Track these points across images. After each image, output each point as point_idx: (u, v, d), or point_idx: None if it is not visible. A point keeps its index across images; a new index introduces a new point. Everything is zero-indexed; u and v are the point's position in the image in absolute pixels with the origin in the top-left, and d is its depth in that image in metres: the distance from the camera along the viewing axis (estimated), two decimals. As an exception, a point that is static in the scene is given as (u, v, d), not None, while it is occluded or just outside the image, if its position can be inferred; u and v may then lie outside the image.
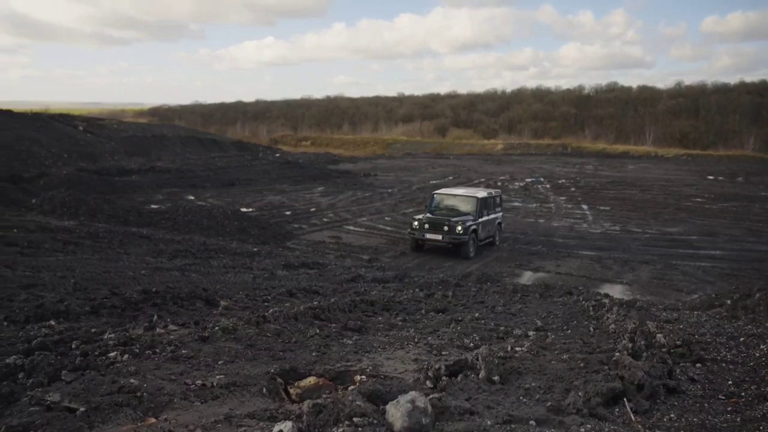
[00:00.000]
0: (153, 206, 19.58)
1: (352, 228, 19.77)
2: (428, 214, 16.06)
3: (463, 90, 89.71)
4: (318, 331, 3.74)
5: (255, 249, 13.67)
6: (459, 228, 14.98)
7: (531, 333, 3.89)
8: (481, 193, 17.06)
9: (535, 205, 24.52)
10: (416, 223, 15.63)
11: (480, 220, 15.89)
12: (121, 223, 15.55)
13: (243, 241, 15.54)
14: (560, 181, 32.11)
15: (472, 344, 3.54)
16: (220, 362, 2.98)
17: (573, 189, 29.27)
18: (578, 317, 4.79)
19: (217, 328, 3.60)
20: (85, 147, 31.20)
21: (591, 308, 4.99)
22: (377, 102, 78.63)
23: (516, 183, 31.60)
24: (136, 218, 16.32)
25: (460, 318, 4.71)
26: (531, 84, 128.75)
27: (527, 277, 13.08)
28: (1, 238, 9.03)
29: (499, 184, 31.14)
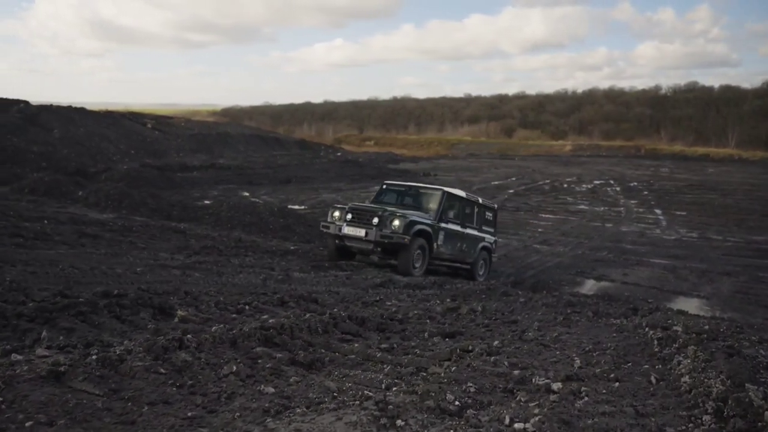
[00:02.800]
0: (206, 202, 19.09)
1: (404, 228, 18.72)
2: (370, 204, 11.29)
3: (532, 91, 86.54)
4: (234, 368, 2.54)
5: (293, 247, 12.65)
6: (396, 222, 9.68)
7: (557, 384, 2.54)
8: (456, 191, 11.93)
9: (602, 208, 22.49)
10: (336, 213, 10.47)
11: (443, 225, 10.75)
12: (164, 217, 14.98)
13: (285, 238, 14.62)
14: (632, 184, 29.65)
15: (456, 403, 2.24)
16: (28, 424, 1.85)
17: (645, 192, 26.86)
18: (636, 355, 3.36)
19: (94, 356, 2.46)
20: (151, 144, 31.52)
21: (656, 342, 3.53)
22: (443, 103, 76.84)
23: (583, 185, 29.42)
24: (179, 213, 15.78)
25: (470, 348, 3.37)
26: (604, 84, 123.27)
27: (589, 286, 11.44)
28: (10, 229, 8.39)
29: (565, 186, 29.08)
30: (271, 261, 10.02)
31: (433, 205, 11.05)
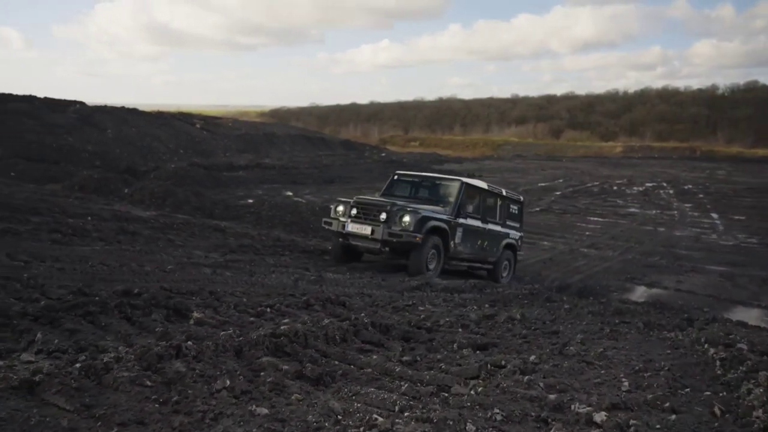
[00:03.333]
0: (249, 200, 19.10)
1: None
2: (378, 198, 9.94)
3: (581, 91, 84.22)
4: (228, 383, 2.24)
5: (331, 247, 12.45)
6: (407, 219, 8.54)
7: (601, 415, 2.13)
8: (476, 182, 10.71)
9: (655, 211, 21.46)
10: (340, 207, 9.34)
11: (461, 221, 9.54)
12: (206, 216, 15.00)
13: (326, 238, 14.41)
14: (686, 187, 28.30)
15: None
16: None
17: (701, 195, 25.55)
18: (695, 378, 2.90)
19: (79, 364, 2.21)
20: (200, 144, 32.01)
21: (718, 362, 3.05)
22: (490, 103, 75.64)
23: (634, 188, 28.26)
24: (221, 211, 15.80)
25: (502, 363, 2.99)
26: (657, 84, 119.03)
27: (639, 293, 10.76)
28: (51, 225, 8.42)
29: (615, 188, 28.00)
30: (308, 261, 9.79)
31: (450, 197, 9.73)
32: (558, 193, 26.06)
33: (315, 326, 3.33)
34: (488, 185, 10.84)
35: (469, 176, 30.15)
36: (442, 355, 3.22)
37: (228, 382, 2.23)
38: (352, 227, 9.08)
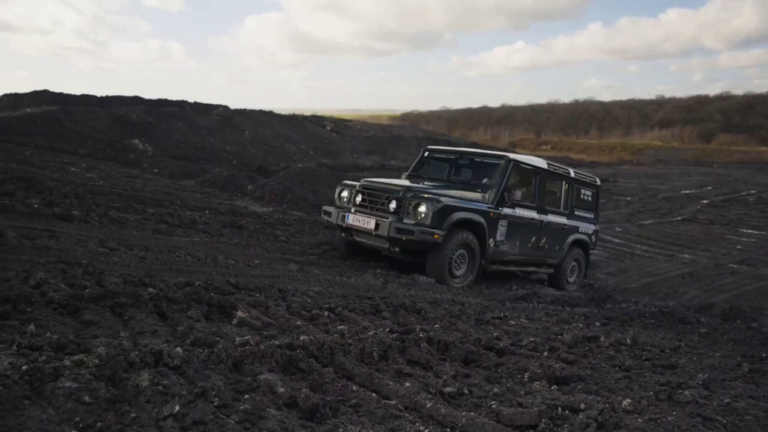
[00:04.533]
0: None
1: (571, 236, 16.97)
2: (393, 180, 7.89)
3: (738, 91, 75.51)
4: (177, 409, 1.71)
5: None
6: (423, 208, 6.59)
7: None
8: (530, 159, 8.30)
9: (826, 225, 18.30)
10: (345, 192, 7.59)
11: (506, 211, 7.37)
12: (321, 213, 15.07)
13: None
14: None
15: None
16: None
17: None
18: None
19: (25, 366, 1.82)
20: (329, 145, 32.80)
21: None
22: (631, 105, 70.23)
23: (800, 198, 24.46)
24: (337, 209, 15.86)
25: (580, 407, 2.21)
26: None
27: (800, 321, 8.95)
28: (163, 216, 8.64)
29: (776, 197, 24.43)
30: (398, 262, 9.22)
31: (492, 180, 7.44)
32: (705, 201, 23.24)
33: (353, 338, 2.74)
34: (548, 163, 8.39)
35: (602, 181, 27.93)
36: (502, 387, 2.49)
37: (177, 408, 1.72)
38: (353, 219, 7.15)
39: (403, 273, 7.72)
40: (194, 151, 24.55)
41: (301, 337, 2.63)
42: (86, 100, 28.50)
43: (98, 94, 29.76)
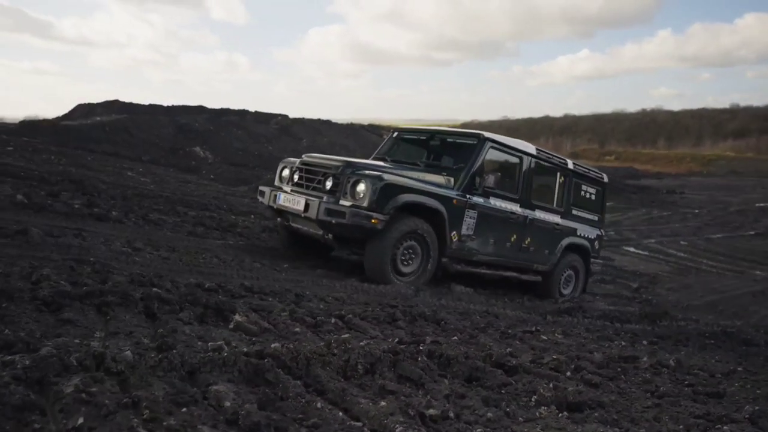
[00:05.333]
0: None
1: (631, 249, 16.15)
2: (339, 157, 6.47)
3: (825, 100, 70.34)
4: (82, 421, 1.47)
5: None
6: (362, 187, 5.44)
7: None
8: (512, 141, 6.81)
9: None
10: (286, 171, 6.50)
11: (476, 200, 6.18)
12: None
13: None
14: None
15: None
16: None
17: None
18: None
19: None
20: (385, 153, 32.79)
21: None
22: (702, 115, 66.78)
23: None
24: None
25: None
26: None
27: None
28: (204, 219, 8.63)
29: None
30: None
31: (462, 162, 6.27)
32: (782, 215, 21.63)
33: (339, 348, 2.45)
34: (538, 149, 7.11)
35: (667, 192, 26.42)
36: (499, 412, 2.13)
37: (81, 420, 1.48)
38: (284, 199, 6.05)
39: (442, 282, 7.38)
40: (252, 158, 24.98)
41: (273, 345, 2.36)
42: (153, 109, 29.61)
43: (166, 104, 30.88)
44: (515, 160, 6.76)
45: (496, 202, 6.48)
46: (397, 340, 3.35)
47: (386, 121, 51.09)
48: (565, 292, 7.77)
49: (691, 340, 5.96)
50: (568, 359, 3.25)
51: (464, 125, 79.31)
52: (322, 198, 5.63)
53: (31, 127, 19.59)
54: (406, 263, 5.88)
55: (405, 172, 5.99)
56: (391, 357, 2.50)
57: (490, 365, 2.76)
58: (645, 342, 5.15)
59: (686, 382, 3.19)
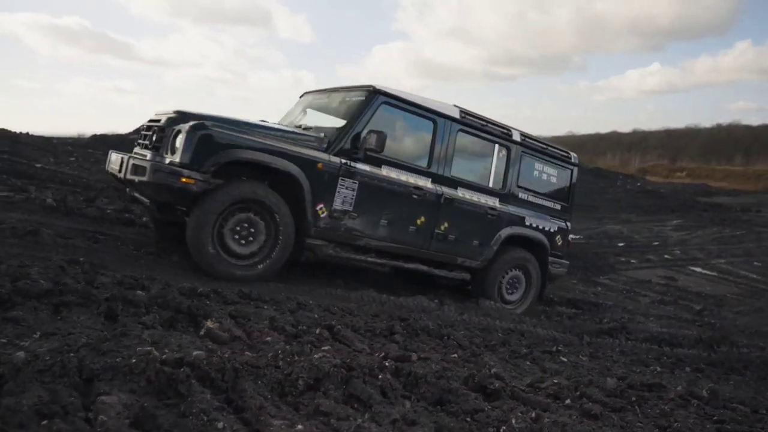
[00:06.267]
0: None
1: (698, 270, 15.02)
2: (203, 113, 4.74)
3: None
4: None
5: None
6: (179, 139, 4.24)
7: None
8: (426, 100, 5.46)
9: None
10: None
11: (360, 167, 4.97)
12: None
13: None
14: None
15: None
16: None
17: None
18: None
19: None
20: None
21: None
22: (785, 129, 62.48)
23: None
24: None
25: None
26: None
27: None
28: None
29: None
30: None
31: (344, 120, 5.14)
32: None
33: (285, 360, 2.15)
34: (464, 111, 5.71)
35: (741, 210, 24.54)
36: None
37: None
38: (114, 160, 4.87)
39: (469, 296, 6.94)
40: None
41: (194, 353, 2.08)
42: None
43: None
44: (427, 123, 5.45)
45: (390, 172, 5.17)
46: (382, 354, 3.01)
47: (448, 137, 50.49)
48: (511, 297, 6.34)
49: (750, 368, 5.29)
50: (572, 384, 2.79)
51: (527, 141, 77.42)
52: (145, 156, 4.58)
53: (101, 140, 20.51)
54: (240, 242, 4.56)
55: (270, 131, 4.73)
56: (343, 373, 2.16)
57: (467, 387, 2.37)
58: (688, 369, 4.55)
59: (715, 418, 2.67)
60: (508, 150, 6.07)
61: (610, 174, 38.37)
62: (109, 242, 5.22)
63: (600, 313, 7.81)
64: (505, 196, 6.09)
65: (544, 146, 6.52)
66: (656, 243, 18.42)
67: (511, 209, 6.12)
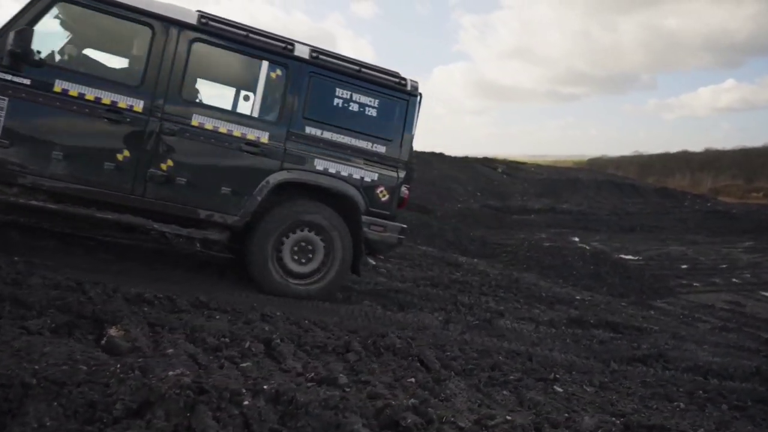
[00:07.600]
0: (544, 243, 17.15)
1: (769, 295, 13.60)
2: None
3: None
4: None
5: (579, 297, 9.85)
6: None
7: None
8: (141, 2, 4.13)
9: None
10: None
11: (7, 78, 3.80)
12: (458, 251, 13.83)
13: (589, 288, 11.74)
14: None
15: None
16: None
17: None
18: None
19: None
20: (498, 187, 31.39)
21: None
22: None
23: None
24: (477, 248, 14.50)
25: None
26: None
27: None
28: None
29: None
30: (539, 310, 7.55)
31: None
32: None
33: (116, 377, 1.64)
34: (206, 15, 4.42)
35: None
36: None
37: None
38: None
39: (489, 315, 6.26)
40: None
41: (63, 367, 1.61)
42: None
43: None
44: (141, 29, 4.24)
45: (72, 88, 4.00)
46: (311, 375, 2.45)
47: (511, 156, 49.38)
48: (299, 269, 4.76)
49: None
50: (534, 423, 2.12)
51: (591, 161, 74.83)
52: None
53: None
54: None
55: None
56: (189, 397, 1.63)
57: (367, 421, 1.78)
58: (725, 406, 3.70)
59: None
60: (286, 69, 4.65)
61: (678, 194, 36.05)
62: (82, 248, 4.93)
63: (641, 338, 6.89)
64: (281, 130, 4.63)
65: (357, 68, 4.89)
66: (724, 266, 16.97)
67: (291, 147, 4.64)
